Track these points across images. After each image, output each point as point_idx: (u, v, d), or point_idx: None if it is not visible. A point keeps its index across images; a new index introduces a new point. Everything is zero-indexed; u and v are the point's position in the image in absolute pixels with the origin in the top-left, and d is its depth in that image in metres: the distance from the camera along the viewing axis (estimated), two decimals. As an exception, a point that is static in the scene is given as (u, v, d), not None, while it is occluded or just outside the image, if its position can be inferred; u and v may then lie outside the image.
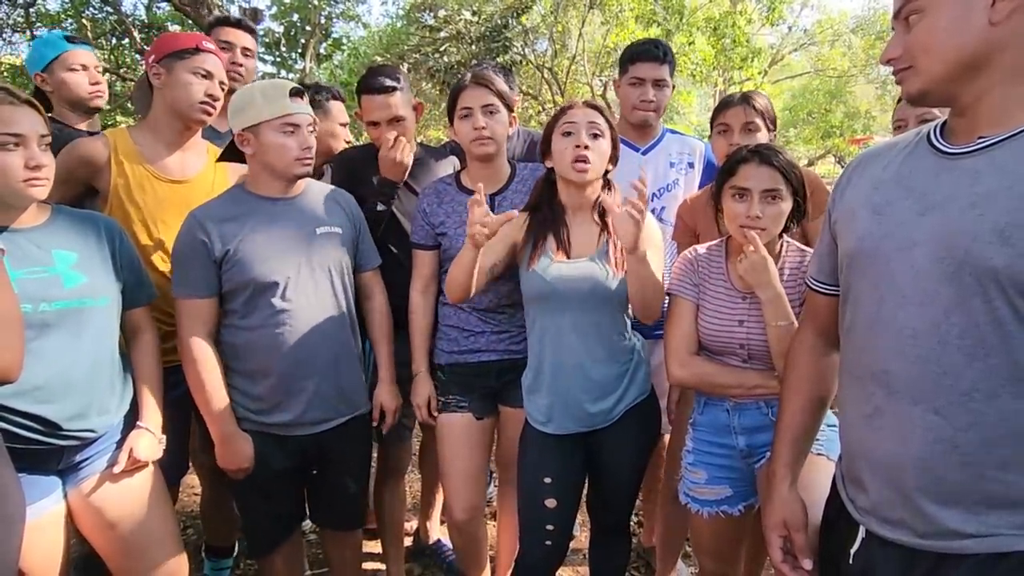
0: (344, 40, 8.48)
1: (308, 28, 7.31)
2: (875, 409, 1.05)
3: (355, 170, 2.20)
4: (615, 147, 1.76)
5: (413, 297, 2.03)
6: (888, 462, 1.04)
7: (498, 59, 8.55)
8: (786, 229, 1.63)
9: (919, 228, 0.99)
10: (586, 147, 1.67)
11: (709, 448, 1.72)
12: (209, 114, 1.94)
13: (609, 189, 1.80)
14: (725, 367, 1.66)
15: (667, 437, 2.21)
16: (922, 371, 0.98)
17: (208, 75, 1.92)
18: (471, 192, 1.96)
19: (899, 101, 2.29)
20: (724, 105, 2.04)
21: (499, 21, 8.89)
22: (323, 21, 7.58)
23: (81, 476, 1.56)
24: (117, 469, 1.57)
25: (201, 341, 1.72)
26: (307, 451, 1.84)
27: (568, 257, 1.73)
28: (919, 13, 0.98)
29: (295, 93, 1.73)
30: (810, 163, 20.65)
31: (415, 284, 2.04)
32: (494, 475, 2.70)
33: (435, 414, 2.02)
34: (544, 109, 10.43)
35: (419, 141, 2.38)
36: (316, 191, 1.90)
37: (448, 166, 2.31)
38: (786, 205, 1.58)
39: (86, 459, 1.56)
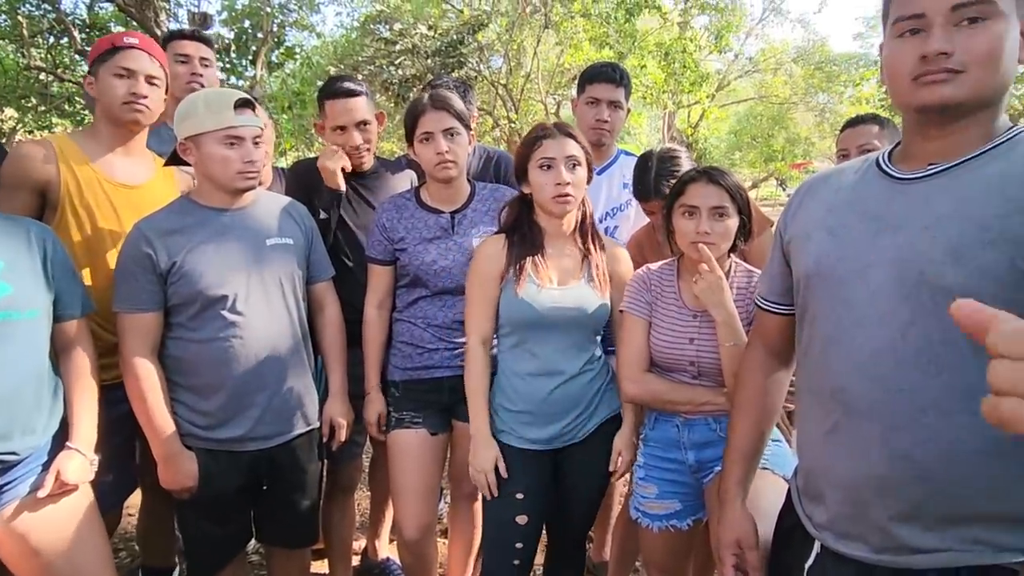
0: (297, 49, 8.35)
1: (260, 35, 7.17)
2: (834, 426, 1.07)
3: (309, 180, 2.17)
4: (590, 169, 1.79)
5: (368, 312, 2.02)
6: (847, 478, 1.06)
7: (454, 74, 8.59)
8: (734, 248, 1.68)
9: (874, 250, 1.02)
10: (567, 183, 1.69)
11: (659, 463, 1.75)
12: (139, 111, 1.85)
13: (585, 209, 1.82)
14: (676, 384, 1.70)
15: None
16: (880, 389, 1.00)
17: (129, 73, 1.84)
18: (431, 209, 1.97)
19: (842, 130, 2.41)
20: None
21: (455, 37, 8.93)
22: (275, 29, 7.44)
23: (3, 501, 1.46)
24: (42, 493, 1.47)
25: (144, 357, 1.66)
26: (258, 467, 1.79)
27: (552, 282, 1.74)
28: (989, 19, 0.92)
29: (241, 104, 1.69)
30: (754, 185, 21.42)
31: (370, 299, 2.02)
32: (445, 492, 2.67)
33: (384, 431, 2.00)
34: (498, 125, 10.51)
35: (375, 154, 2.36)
36: (267, 202, 1.86)
37: (405, 180, 2.31)
38: (733, 222, 1.63)
39: (8, 483, 1.46)
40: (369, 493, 2.67)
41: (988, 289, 0.91)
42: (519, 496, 1.75)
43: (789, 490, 1.28)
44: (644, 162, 1.98)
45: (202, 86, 2.38)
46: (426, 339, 1.96)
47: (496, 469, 1.74)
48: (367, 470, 2.70)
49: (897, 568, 1.02)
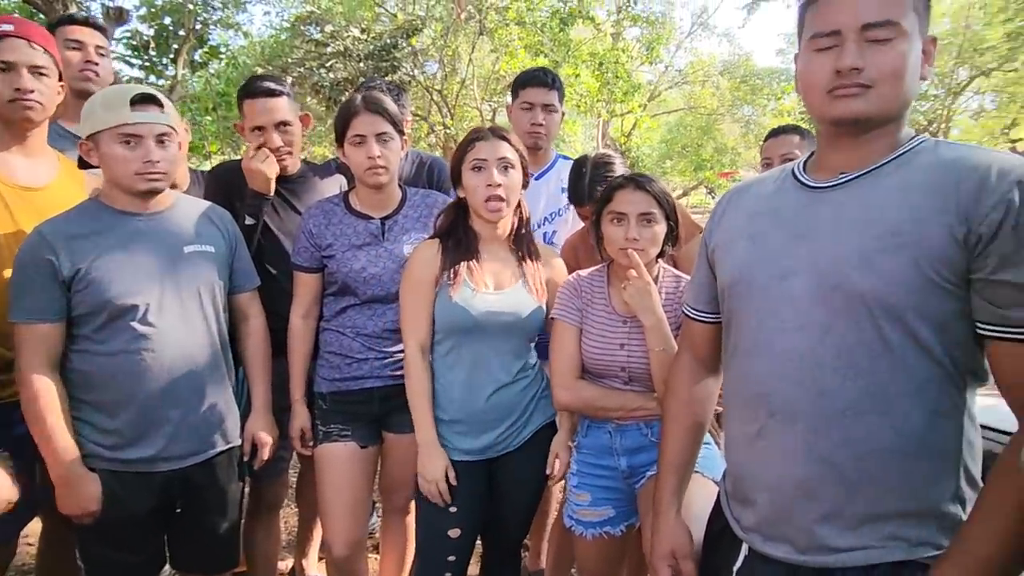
0: (222, 48, 8.00)
1: (181, 33, 6.83)
2: (759, 430, 1.09)
3: (230, 183, 2.08)
4: (525, 173, 1.78)
5: (293, 322, 1.94)
6: (772, 481, 1.08)
7: (387, 78, 8.46)
8: (662, 254, 1.71)
9: (793, 256, 1.06)
10: (499, 185, 1.67)
11: (592, 470, 1.75)
12: (28, 108, 1.70)
13: (521, 213, 1.81)
14: (607, 390, 1.70)
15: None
16: (801, 392, 1.03)
17: (7, 66, 1.67)
18: (361, 215, 1.92)
19: (765, 140, 2.50)
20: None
21: (388, 41, 8.80)
22: (199, 27, 7.11)
23: None
24: None
25: (43, 372, 1.54)
26: (171, 489, 1.68)
27: (488, 287, 1.72)
28: (895, 39, 0.98)
29: (140, 101, 1.59)
30: (684, 193, 22.06)
31: (296, 308, 1.95)
32: (377, 505, 2.60)
33: (310, 444, 1.93)
34: (433, 131, 10.41)
35: (303, 158, 2.29)
36: (186, 206, 1.77)
37: (334, 185, 2.24)
38: (660, 228, 1.65)
39: None
40: (297, 509, 2.57)
41: (896, 292, 0.96)
42: (452, 509, 1.71)
43: (719, 493, 1.30)
44: (579, 167, 2.00)
45: (97, 75, 2.24)
46: (355, 349, 1.90)
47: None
48: (294, 486, 2.60)
49: (819, 568, 1.05)
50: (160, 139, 1.61)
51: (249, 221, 2.01)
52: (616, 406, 1.69)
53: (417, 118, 11.26)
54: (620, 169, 1.95)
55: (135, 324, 1.58)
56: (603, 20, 13.11)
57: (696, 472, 1.55)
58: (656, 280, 1.70)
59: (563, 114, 2.50)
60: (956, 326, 0.97)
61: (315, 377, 1.96)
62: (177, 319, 1.64)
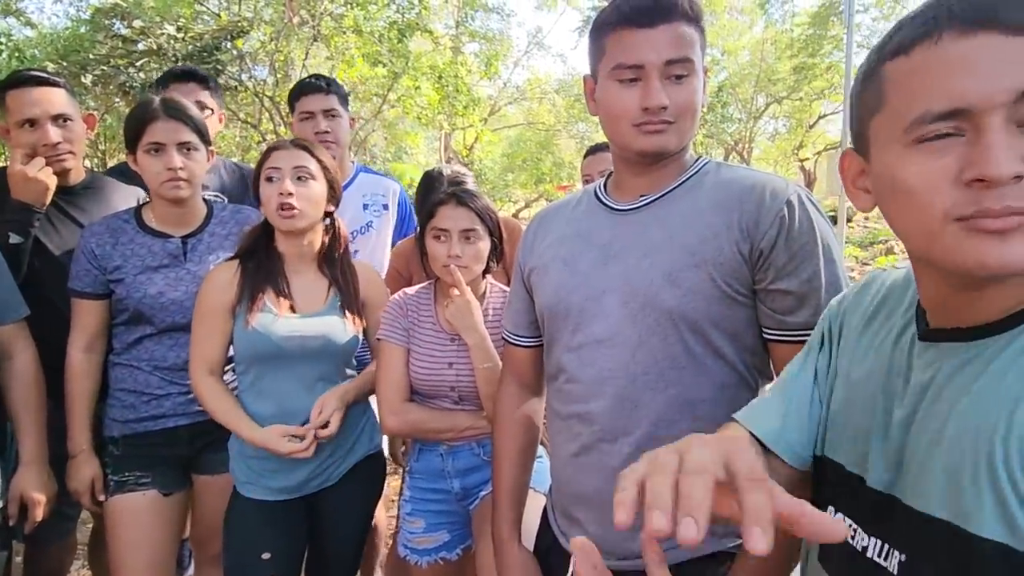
0: (2, 39, 6.87)
1: (-53, 18, 5.78)
2: (581, 448, 1.11)
3: None
4: (333, 188, 1.66)
5: (72, 356, 1.68)
6: (594, 496, 1.10)
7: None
8: (488, 270, 1.69)
9: (605, 277, 1.09)
10: (290, 193, 1.55)
11: (425, 495, 1.69)
12: None
13: (335, 232, 1.70)
14: (436, 412, 1.65)
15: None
16: (619, 408, 1.06)
17: None
18: (155, 232, 1.71)
19: (584, 157, 2.60)
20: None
21: (211, 41, 8.14)
22: (-31, 12, 6.08)
23: None
24: None
25: None
26: None
27: (294, 311, 1.58)
28: (690, 76, 1.03)
29: None
30: (526, 205, 22.83)
31: (75, 340, 1.69)
32: (191, 555, 2.33)
33: (101, 498, 1.68)
34: (264, 139, 9.79)
35: (88, 167, 1.99)
36: (-80, 225, 1.46)
37: (131, 197, 1.98)
38: (484, 245, 1.64)
39: None
40: (90, 573, 2.23)
41: (700, 306, 1.02)
42: (265, 556, 1.56)
43: (544, 507, 1.31)
44: (433, 183, 1.94)
45: None
46: (153, 384, 1.69)
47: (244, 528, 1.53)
48: (87, 544, 2.25)
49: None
50: None
51: (15, 239, 1.71)
52: (446, 427, 1.64)
53: (247, 126, 10.55)
54: (472, 186, 1.93)
55: None
56: (442, 34, 13.21)
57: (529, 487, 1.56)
58: (483, 297, 1.69)
59: (353, 120, 2.37)
60: (747, 333, 1.05)
61: (105, 420, 1.71)
62: (-96, 364, 1.34)
